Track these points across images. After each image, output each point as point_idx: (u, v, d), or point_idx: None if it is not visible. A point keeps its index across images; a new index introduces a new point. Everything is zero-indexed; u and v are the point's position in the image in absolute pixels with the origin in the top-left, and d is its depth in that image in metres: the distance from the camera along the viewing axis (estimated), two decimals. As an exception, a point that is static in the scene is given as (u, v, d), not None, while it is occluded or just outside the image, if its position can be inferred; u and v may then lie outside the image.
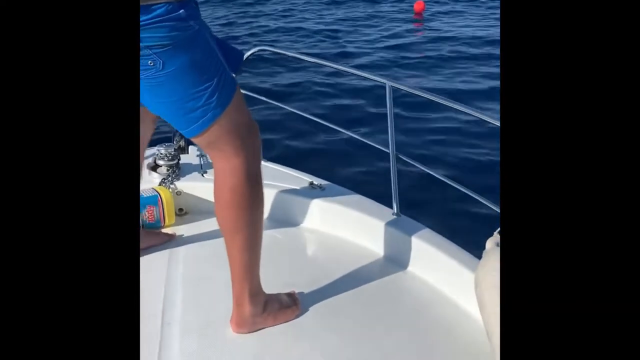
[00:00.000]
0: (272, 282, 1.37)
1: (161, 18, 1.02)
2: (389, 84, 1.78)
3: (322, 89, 5.79)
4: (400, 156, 1.81)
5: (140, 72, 1.07)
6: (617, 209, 0.62)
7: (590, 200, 0.64)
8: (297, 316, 1.38)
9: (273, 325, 1.35)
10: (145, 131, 1.47)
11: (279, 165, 2.07)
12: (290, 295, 1.43)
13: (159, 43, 1.04)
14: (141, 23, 1.01)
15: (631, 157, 0.63)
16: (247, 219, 1.24)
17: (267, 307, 1.34)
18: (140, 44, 1.02)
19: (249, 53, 2.17)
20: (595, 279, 0.62)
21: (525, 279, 0.65)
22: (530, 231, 0.65)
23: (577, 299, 0.62)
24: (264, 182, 1.87)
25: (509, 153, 0.67)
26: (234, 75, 1.21)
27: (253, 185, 1.24)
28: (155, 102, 1.15)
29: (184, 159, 1.99)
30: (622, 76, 0.64)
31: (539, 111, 0.67)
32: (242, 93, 1.23)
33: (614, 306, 0.61)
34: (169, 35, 1.04)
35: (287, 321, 1.36)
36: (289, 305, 1.39)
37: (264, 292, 1.35)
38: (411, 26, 9.22)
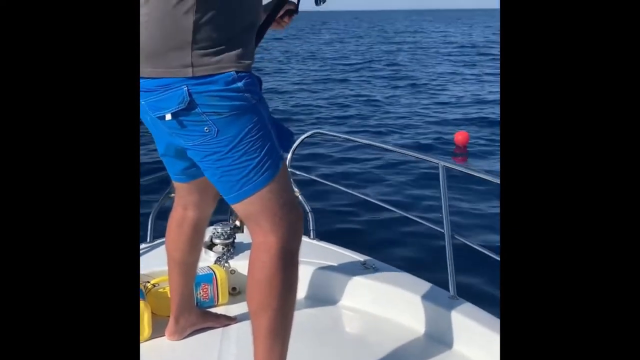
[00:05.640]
0: None
1: (221, 88, 1.10)
2: (441, 163, 1.79)
3: (376, 168, 5.85)
4: (457, 237, 1.77)
5: (195, 137, 1.13)
6: (618, 210, 0.65)
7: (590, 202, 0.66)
8: None
9: None
10: (206, 209, 1.50)
11: (330, 244, 2.07)
12: None
13: (216, 111, 1.10)
14: (201, 90, 1.09)
15: (629, 158, 0.65)
16: (276, 299, 1.15)
17: None
18: (198, 109, 1.09)
19: (304, 136, 2.25)
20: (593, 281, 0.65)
21: (524, 283, 0.67)
22: (529, 237, 0.68)
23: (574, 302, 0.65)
24: (316, 260, 1.88)
25: (509, 156, 0.70)
26: (283, 153, 1.23)
27: (287, 265, 1.16)
28: (204, 166, 1.19)
29: (239, 237, 2.02)
30: (622, 77, 0.65)
31: (539, 114, 0.69)
32: (290, 173, 1.23)
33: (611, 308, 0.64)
34: (226, 104, 1.10)
35: None
36: None
37: None
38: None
